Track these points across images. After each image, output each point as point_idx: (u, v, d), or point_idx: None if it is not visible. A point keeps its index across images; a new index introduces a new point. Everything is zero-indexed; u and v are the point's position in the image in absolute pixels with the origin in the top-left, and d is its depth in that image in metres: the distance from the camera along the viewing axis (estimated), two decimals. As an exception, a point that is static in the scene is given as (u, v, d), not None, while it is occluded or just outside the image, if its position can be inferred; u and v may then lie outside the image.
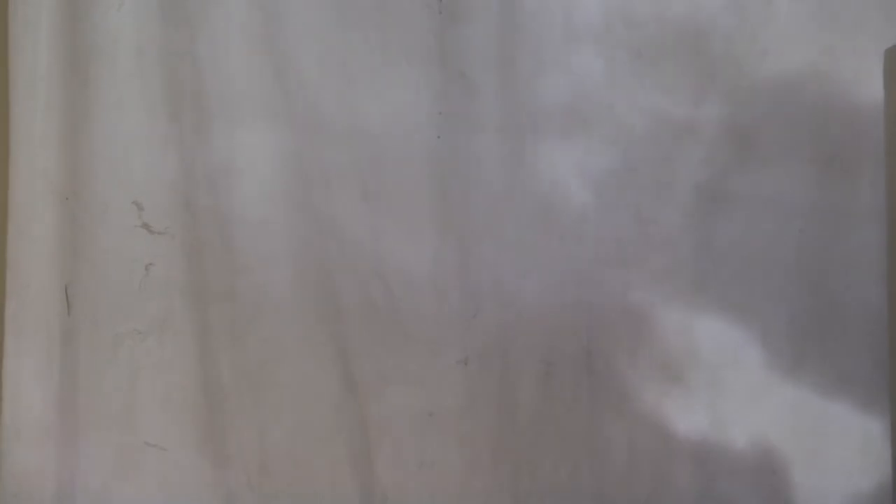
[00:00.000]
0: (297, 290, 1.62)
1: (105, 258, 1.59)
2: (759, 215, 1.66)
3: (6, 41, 1.60)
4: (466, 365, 1.64)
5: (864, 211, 1.66)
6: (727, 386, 1.66)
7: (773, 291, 1.66)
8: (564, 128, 1.65)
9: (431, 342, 1.64)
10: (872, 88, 1.67)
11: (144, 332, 1.60)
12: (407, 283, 1.64)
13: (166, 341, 1.60)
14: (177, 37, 1.61)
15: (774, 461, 1.66)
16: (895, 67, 1.65)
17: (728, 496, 1.66)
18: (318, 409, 1.62)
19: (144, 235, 1.60)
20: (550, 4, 1.66)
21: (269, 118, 1.62)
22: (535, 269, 1.65)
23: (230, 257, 1.61)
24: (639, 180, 1.66)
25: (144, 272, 1.60)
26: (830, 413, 1.66)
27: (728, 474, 1.66)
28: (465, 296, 1.64)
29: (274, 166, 1.62)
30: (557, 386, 1.65)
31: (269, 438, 1.61)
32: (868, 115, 1.66)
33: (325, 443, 1.63)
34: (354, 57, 1.63)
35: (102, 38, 1.61)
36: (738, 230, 1.66)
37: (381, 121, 1.63)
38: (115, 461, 1.59)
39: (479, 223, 1.64)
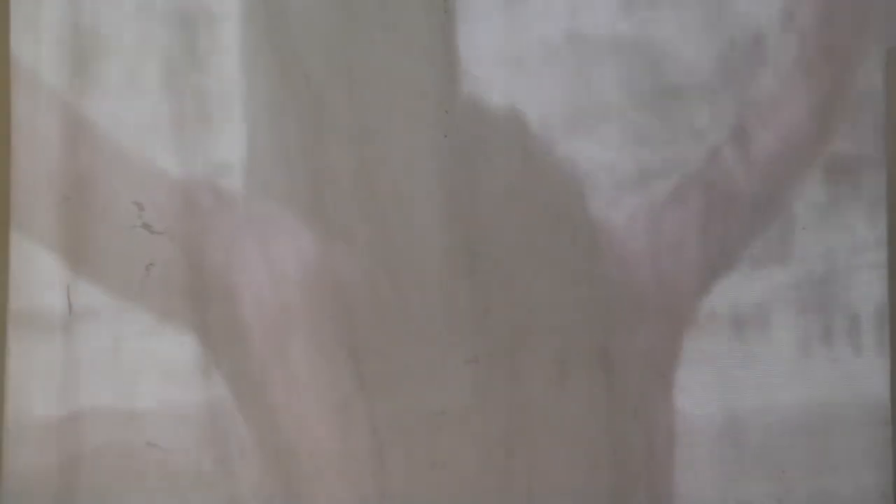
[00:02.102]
0: (301, 289, 1.61)
1: (106, 258, 1.59)
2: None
3: (7, 40, 1.59)
4: (477, 363, 1.65)
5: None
6: (740, 385, 1.67)
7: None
8: (572, 126, 1.66)
9: (440, 341, 1.64)
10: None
11: (145, 332, 1.59)
12: (415, 281, 1.63)
13: (167, 341, 1.60)
14: (179, 35, 1.61)
15: (786, 461, 1.67)
16: (895, 67, 1.66)
17: (747, 496, 1.67)
18: (325, 409, 1.62)
19: (145, 235, 1.59)
20: (556, 2, 1.66)
21: (274, 117, 1.62)
22: (545, 266, 1.65)
23: (232, 257, 1.60)
24: (653, 180, 1.67)
25: (145, 272, 1.59)
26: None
27: (747, 474, 1.67)
28: (473, 294, 1.64)
29: (279, 165, 1.62)
30: (572, 385, 1.66)
31: (272, 438, 1.61)
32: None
33: (332, 442, 1.62)
34: (360, 55, 1.63)
35: (103, 36, 1.60)
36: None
37: (388, 119, 1.63)
38: (116, 462, 1.59)
39: (487, 221, 1.65)
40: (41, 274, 1.58)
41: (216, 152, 1.61)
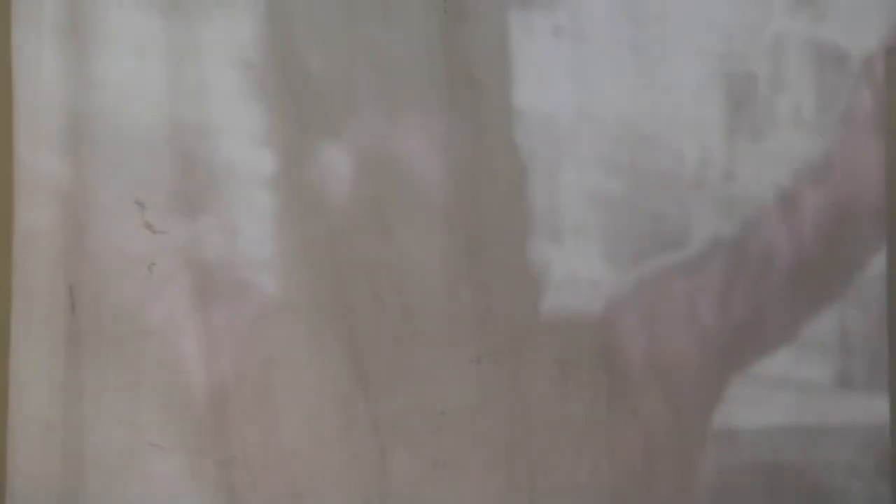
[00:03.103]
0: (304, 288, 1.61)
1: (108, 258, 1.59)
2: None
3: (9, 40, 1.59)
4: (479, 363, 1.65)
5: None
6: (735, 384, 1.68)
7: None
8: (572, 125, 1.66)
9: (443, 341, 1.64)
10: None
11: (148, 331, 1.59)
12: (417, 281, 1.64)
13: (169, 341, 1.60)
14: (179, 34, 1.61)
15: (783, 463, 1.67)
16: (895, 67, 1.66)
17: (746, 495, 1.67)
18: (327, 409, 1.62)
19: (147, 235, 1.59)
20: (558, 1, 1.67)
21: (275, 117, 1.62)
22: (546, 266, 1.65)
23: (234, 257, 1.60)
24: (650, 181, 1.67)
25: (147, 272, 1.59)
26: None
27: (746, 473, 1.67)
28: (475, 294, 1.65)
29: (279, 165, 1.62)
30: (574, 385, 1.66)
31: (274, 438, 1.61)
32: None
33: (334, 442, 1.62)
34: (360, 55, 1.63)
35: (104, 36, 1.60)
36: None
37: (388, 119, 1.63)
38: (118, 461, 1.59)
39: (487, 221, 1.65)
40: (44, 274, 1.58)
41: (216, 151, 1.61)
